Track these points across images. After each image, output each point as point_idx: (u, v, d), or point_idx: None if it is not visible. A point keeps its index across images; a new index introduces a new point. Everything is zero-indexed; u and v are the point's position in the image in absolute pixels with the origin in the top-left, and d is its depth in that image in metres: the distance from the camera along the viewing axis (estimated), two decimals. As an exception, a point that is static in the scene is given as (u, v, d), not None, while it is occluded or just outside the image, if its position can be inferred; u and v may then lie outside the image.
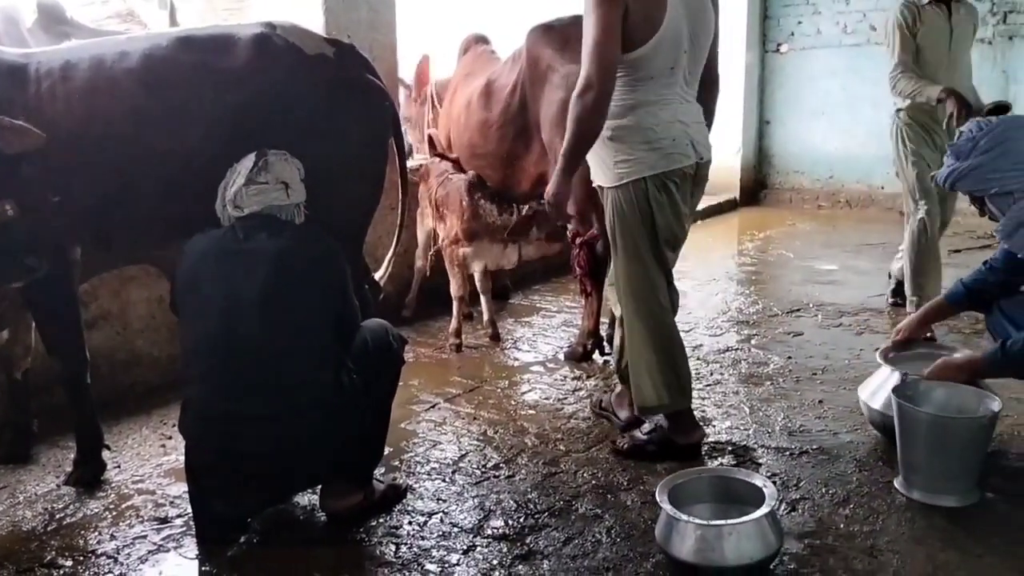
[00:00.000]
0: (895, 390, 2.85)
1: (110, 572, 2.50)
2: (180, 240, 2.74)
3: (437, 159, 4.66)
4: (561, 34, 4.14)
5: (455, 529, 2.68)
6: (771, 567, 2.38)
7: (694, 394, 3.59)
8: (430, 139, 4.80)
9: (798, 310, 4.98)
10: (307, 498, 2.84)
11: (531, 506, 2.80)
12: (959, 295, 3.25)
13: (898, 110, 4.69)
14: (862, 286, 5.50)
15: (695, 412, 3.30)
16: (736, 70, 8.49)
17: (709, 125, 3.15)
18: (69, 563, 2.54)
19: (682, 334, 4.46)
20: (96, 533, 2.71)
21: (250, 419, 2.50)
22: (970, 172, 2.82)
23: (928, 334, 3.45)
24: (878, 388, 3.14)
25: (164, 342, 3.90)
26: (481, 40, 4.91)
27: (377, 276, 3.51)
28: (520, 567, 2.46)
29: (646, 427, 3.17)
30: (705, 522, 2.35)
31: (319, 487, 2.77)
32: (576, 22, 4.19)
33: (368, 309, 3.11)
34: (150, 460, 3.21)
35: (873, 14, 8.02)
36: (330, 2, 4.39)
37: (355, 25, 4.53)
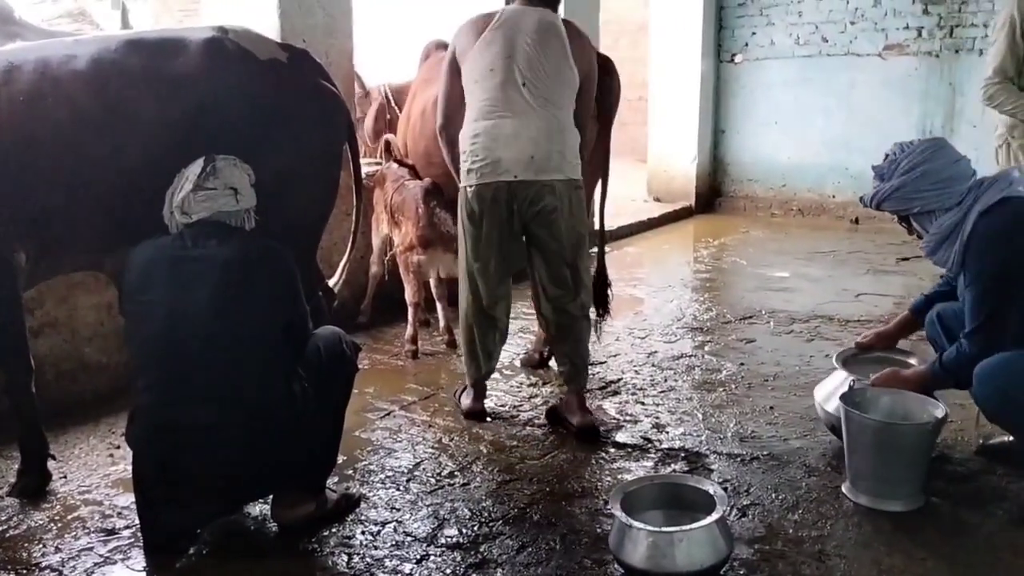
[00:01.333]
0: (843, 397, 2.90)
1: (54, 585, 2.45)
2: (127, 247, 2.69)
3: (394, 164, 4.65)
4: None
5: (408, 538, 2.67)
6: (721, 573, 2.40)
7: (648, 400, 3.75)
8: (387, 144, 4.79)
9: (751, 317, 5.05)
10: (258, 508, 2.81)
11: (485, 514, 2.80)
12: (920, 306, 3.30)
13: (1010, 132, 4.29)
14: (813, 293, 5.59)
15: (649, 418, 3.53)
16: (692, 80, 8.60)
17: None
18: (11, 577, 2.48)
19: (637, 340, 4.58)
20: (40, 545, 2.64)
21: (198, 428, 2.47)
22: (892, 193, 2.90)
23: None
24: (833, 391, 3.16)
25: (113, 349, 3.83)
26: (442, 46, 4.89)
27: (332, 282, 3.49)
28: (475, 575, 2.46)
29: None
30: (657, 529, 2.37)
31: (271, 496, 2.74)
32: None
33: (321, 316, 3.10)
34: (97, 470, 3.15)
35: (825, 26, 8.18)
36: (285, 6, 4.35)
37: (311, 30, 4.49)
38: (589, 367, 3.60)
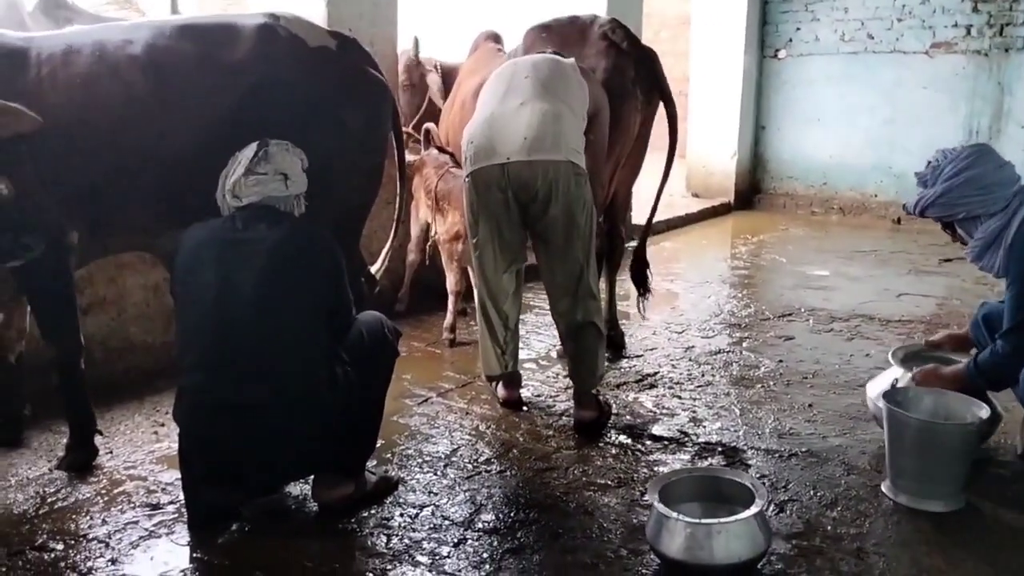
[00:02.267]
0: (885, 395, 2.88)
1: (101, 557, 2.50)
2: (177, 229, 2.75)
3: (434, 151, 4.66)
4: (559, 34, 4.17)
5: (446, 522, 2.69)
6: (759, 567, 2.40)
7: (685, 395, 3.74)
8: (427, 132, 4.81)
9: (790, 314, 5.01)
10: (299, 488, 2.85)
11: (522, 501, 2.83)
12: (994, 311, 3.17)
13: None
14: (853, 292, 5.54)
15: (686, 412, 3.51)
16: (734, 75, 8.53)
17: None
18: (60, 547, 2.54)
19: (674, 335, 4.58)
20: (87, 518, 2.71)
21: (244, 408, 2.51)
22: (936, 199, 2.89)
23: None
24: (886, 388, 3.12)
25: (158, 329, 3.90)
26: (492, 38, 4.92)
27: (373, 270, 3.52)
28: (510, 560, 2.48)
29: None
30: (695, 520, 2.37)
31: (311, 477, 2.78)
32: (572, 22, 4.25)
33: (363, 302, 3.13)
34: (142, 447, 3.21)
35: (871, 22, 8.08)
36: (332, -5, 4.40)
37: (356, 18, 4.53)
38: (596, 373, 3.43)
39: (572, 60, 3.52)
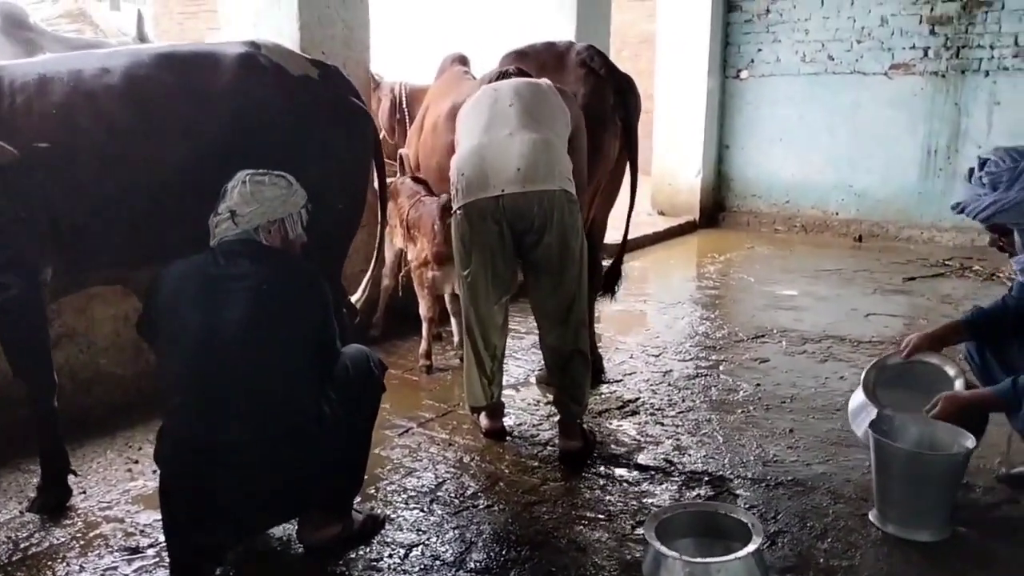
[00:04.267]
0: (872, 425, 2.89)
1: (81, 606, 2.41)
2: (157, 263, 2.67)
3: (408, 179, 4.63)
4: (535, 60, 4.16)
5: (437, 562, 2.64)
6: (756, 603, 2.39)
7: (667, 421, 3.76)
8: (400, 159, 4.77)
9: (763, 336, 5.05)
10: (283, 529, 2.78)
11: (512, 538, 2.79)
12: (977, 320, 3.08)
13: None
14: (823, 312, 5.60)
15: (670, 440, 3.53)
16: (698, 94, 8.63)
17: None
18: (37, 597, 2.45)
19: (651, 359, 4.58)
20: (64, 564, 2.61)
21: (229, 448, 2.43)
22: (1015, 205, 2.76)
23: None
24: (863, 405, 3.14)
25: (128, 361, 3.80)
26: (459, 60, 4.89)
27: (354, 299, 3.47)
28: (505, 602, 2.45)
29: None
30: (694, 559, 2.35)
31: (296, 518, 2.71)
32: (548, 48, 4.25)
33: (346, 334, 3.07)
34: (117, 485, 3.11)
35: (831, 44, 8.23)
36: (305, 18, 4.34)
37: (330, 41, 4.48)
38: (583, 403, 3.45)
39: (549, 82, 3.49)
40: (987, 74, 7.57)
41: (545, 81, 3.49)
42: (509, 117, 3.24)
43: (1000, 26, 7.46)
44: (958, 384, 3.02)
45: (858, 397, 3.23)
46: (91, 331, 3.68)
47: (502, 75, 3.57)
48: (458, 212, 3.28)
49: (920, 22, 7.81)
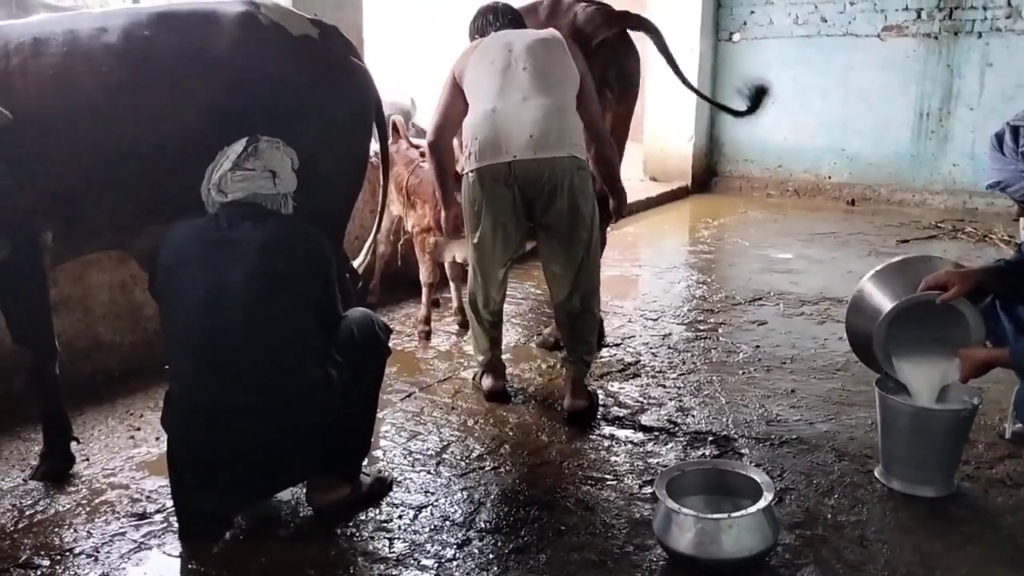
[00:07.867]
0: (878, 382, 2.90)
1: (91, 572, 2.39)
2: (157, 226, 2.63)
3: (403, 144, 4.58)
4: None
5: (447, 522, 2.64)
6: (767, 559, 2.40)
7: (669, 383, 3.77)
8: (393, 125, 4.71)
9: (760, 299, 5.05)
10: (291, 493, 2.77)
11: (520, 498, 2.79)
12: (1009, 270, 2.79)
13: None
14: (818, 275, 5.61)
15: (673, 401, 3.55)
16: (690, 58, 8.54)
17: (607, 175, 3.56)
18: (46, 563, 2.42)
19: (650, 323, 4.58)
20: (71, 531, 2.59)
21: (236, 412, 2.42)
22: None
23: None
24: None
25: (125, 328, 3.76)
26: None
27: (356, 263, 3.44)
28: (516, 560, 2.44)
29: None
30: (706, 515, 2.36)
31: (305, 481, 2.70)
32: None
33: (349, 299, 3.05)
34: (120, 452, 3.09)
35: (824, 6, 8.18)
36: (297, -22, 4.26)
37: (321, 3, 4.40)
38: (591, 360, 3.54)
39: (556, 35, 3.43)
40: (980, 35, 7.55)
41: (553, 34, 3.44)
42: (523, 82, 3.24)
43: (993, -13, 7.44)
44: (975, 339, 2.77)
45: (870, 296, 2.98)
46: (88, 299, 3.64)
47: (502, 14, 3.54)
48: (470, 175, 3.29)
49: (913, -17, 7.77)
